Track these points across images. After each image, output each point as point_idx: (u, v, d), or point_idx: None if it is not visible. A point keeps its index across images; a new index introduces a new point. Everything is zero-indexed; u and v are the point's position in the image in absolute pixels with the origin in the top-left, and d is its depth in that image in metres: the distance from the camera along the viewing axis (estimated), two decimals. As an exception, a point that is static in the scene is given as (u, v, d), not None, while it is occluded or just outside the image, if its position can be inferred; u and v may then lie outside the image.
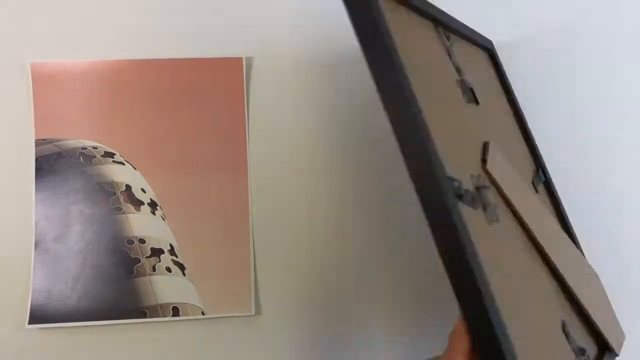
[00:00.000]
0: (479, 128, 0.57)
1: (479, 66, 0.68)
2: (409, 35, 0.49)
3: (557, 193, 0.71)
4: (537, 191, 0.65)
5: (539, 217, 0.58)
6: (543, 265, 0.56)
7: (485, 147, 0.55)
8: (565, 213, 0.71)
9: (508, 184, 0.54)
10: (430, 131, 0.41)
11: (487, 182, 0.52)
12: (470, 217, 0.44)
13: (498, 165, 0.54)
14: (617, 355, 0.63)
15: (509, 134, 0.67)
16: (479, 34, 0.71)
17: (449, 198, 0.40)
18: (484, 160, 0.53)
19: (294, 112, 0.74)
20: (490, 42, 0.75)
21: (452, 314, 0.62)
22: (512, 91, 0.74)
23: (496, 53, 0.75)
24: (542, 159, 0.72)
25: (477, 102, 0.59)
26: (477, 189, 0.49)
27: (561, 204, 0.71)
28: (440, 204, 0.40)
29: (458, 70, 0.58)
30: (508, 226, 0.52)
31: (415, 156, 0.40)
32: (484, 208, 0.49)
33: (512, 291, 0.46)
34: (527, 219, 0.54)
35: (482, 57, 0.72)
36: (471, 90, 0.58)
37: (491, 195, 0.51)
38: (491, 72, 0.73)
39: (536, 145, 0.73)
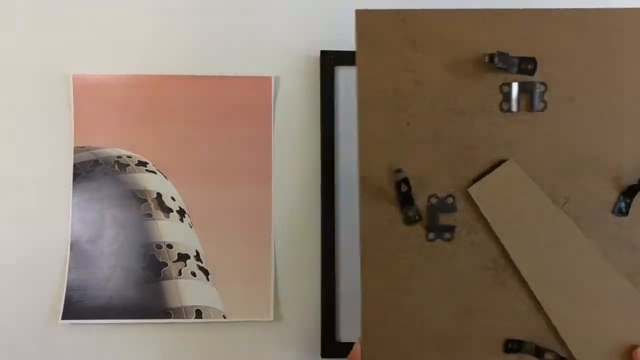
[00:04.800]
0: (509, 140, 0.56)
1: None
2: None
3: None
4: (622, 211, 0.57)
5: (537, 239, 0.56)
6: (517, 283, 0.57)
7: (496, 166, 0.56)
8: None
9: (496, 206, 0.55)
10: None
11: (456, 203, 0.56)
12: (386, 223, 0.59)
13: (489, 187, 0.55)
14: None
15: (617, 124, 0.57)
16: None
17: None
18: (475, 180, 0.56)
19: (316, 128, 0.77)
20: None
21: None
22: None
23: None
24: None
25: (532, 109, 0.56)
26: (431, 208, 0.57)
27: None
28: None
29: (529, 66, 0.54)
30: (478, 243, 0.56)
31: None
32: (430, 229, 0.57)
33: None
34: (505, 241, 0.55)
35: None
36: (532, 94, 0.56)
37: (454, 218, 0.57)
38: None
39: None
